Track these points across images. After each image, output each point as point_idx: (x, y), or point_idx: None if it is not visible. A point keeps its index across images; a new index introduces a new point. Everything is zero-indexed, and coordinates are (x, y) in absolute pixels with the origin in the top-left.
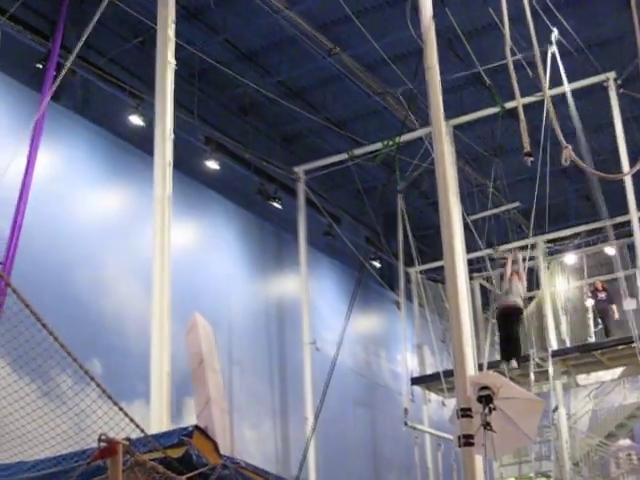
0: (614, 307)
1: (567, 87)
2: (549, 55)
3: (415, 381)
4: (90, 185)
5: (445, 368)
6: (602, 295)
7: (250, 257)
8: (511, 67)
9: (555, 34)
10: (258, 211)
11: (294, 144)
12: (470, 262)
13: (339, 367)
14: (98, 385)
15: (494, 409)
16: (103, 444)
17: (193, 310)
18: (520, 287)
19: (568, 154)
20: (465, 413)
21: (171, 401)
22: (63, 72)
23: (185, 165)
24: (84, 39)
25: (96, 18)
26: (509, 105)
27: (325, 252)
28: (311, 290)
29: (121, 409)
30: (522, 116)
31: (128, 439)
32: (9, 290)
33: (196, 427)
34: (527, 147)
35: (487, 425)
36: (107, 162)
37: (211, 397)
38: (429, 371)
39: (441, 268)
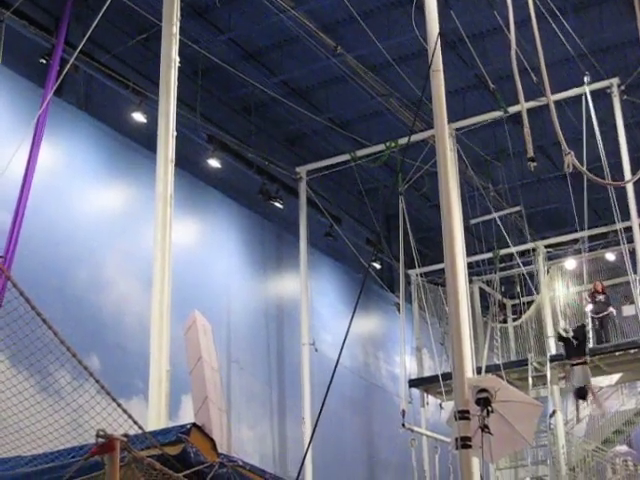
0: (612, 310)
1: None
2: None
3: (413, 383)
4: (91, 181)
5: (443, 371)
6: (601, 297)
7: (251, 256)
8: (516, 72)
9: None
10: (259, 210)
11: (297, 144)
12: (470, 265)
13: (337, 368)
14: (97, 381)
15: (492, 412)
16: (101, 440)
17: (192, 308)
18: None
19: (570, 161)
20: (463, 415)
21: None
22: (67, 68)
23: (187, 163)
24: (88, 35)
25: (101, 14)
26: (513, 109)
27: (325, 253)
28: (311, 290)
29: (119, 405)
30: (526, 122)
31: (126, 435)
32: (9, 284)
33: (194, 425)
34: (530, 152)
35: (485, 428)
36: (109, 158)
37: (208, 395)
38: (427, 373)
39: (441, 271)
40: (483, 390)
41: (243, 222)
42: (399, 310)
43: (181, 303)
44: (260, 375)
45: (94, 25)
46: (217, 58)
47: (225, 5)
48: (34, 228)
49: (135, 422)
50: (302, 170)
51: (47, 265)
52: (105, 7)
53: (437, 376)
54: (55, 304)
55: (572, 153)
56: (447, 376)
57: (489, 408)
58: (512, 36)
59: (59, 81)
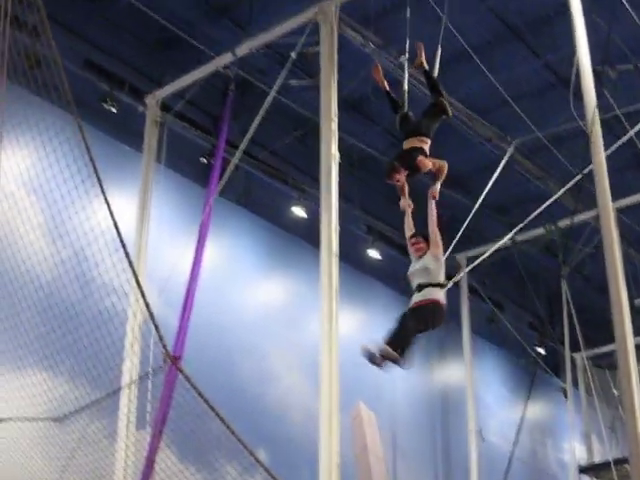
0: None
1: None
2: None
3: (583, 470)
4: (253, 276)
5: (614, 456)
6: None
7: (414, 346)
8: None
9: None
10: None
11: (454, 231)
12: (638, 347)
13: (505, 455)
14: (272, 477)
15: None
16: None
17: (357, 398)
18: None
19: None
20: None
21: None
22: (229, 169)
23: (347, 254)
24: (250, 135)
25: (261, 113)
26: None
27: (488, 339)
28: (475, 378)
29: None
30: None
31: None
32: (180, 379)
33: None
34: None
35: None
36: (269, 253)
37: None
38: (597, 460)
39: (607, 354)
40: None
41: None
42: (565, 395)
43: (345, 393)
44: (426, 464)
45: (255, 126)
46: (372, 149)
47: (379, 98)
48: (198, 324)
49: None
50: (462, 257)
51: (213, 359)
52: (265, 107)
53: (609, 462)
54: (221, 398)
55: None
56: (618, 462)
57: None
58: None
59: (223, 181)
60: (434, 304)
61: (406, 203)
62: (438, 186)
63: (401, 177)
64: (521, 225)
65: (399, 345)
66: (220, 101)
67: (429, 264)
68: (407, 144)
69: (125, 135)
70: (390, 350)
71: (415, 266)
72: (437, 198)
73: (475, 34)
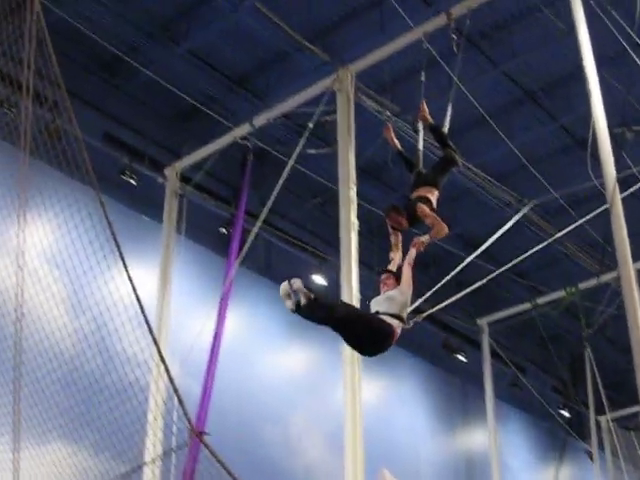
0: None
1: None
2: None
3: None
4: (275, 345)
5: None
6: None
7: (436, 411)
8: None
9: None
10: (443, 365)
11: (476, 296)
12: None
13: None
14: None
15: None
16: None
17: (381, 465)
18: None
19: None
20: None
21: None
22: (249, 238)
23: None
24: (269, 205)
25: (280, 183)
26: None
27: (511, 403)
28: (499, 442)
29: None
30: None
31: None
32: (203, 452)
33: None
34: None
35: None
36: (291, 321)
37: None
38: None
39: (633, 415)
40: None
41: (428, 377)
42: (591, 458)
43: (370, 460)
44: None
45: (273, 195)
46: None
47: (397, 165)
48: (221, 390)
49: None
50: (483, 322)
51: (236, 429)
52: (284, 176)
53: None
54: (245, 465)
55: None
56: None
57: None
58: None
59: (244, 252)
60: (384, 325)
61: (396, 256)
62: (426, 239)
63: (401, 220)
64: None
65: (321, 308)
66: (239, 171)
67: (394, 295)
68: (414, 194)
69: (145, 207)
70: (307, 294)
71: (378, 298)
72: (420, 250)
73: (490, 98)
